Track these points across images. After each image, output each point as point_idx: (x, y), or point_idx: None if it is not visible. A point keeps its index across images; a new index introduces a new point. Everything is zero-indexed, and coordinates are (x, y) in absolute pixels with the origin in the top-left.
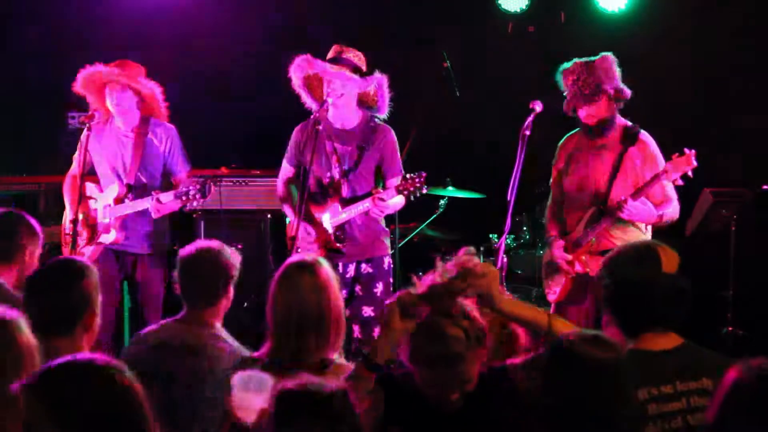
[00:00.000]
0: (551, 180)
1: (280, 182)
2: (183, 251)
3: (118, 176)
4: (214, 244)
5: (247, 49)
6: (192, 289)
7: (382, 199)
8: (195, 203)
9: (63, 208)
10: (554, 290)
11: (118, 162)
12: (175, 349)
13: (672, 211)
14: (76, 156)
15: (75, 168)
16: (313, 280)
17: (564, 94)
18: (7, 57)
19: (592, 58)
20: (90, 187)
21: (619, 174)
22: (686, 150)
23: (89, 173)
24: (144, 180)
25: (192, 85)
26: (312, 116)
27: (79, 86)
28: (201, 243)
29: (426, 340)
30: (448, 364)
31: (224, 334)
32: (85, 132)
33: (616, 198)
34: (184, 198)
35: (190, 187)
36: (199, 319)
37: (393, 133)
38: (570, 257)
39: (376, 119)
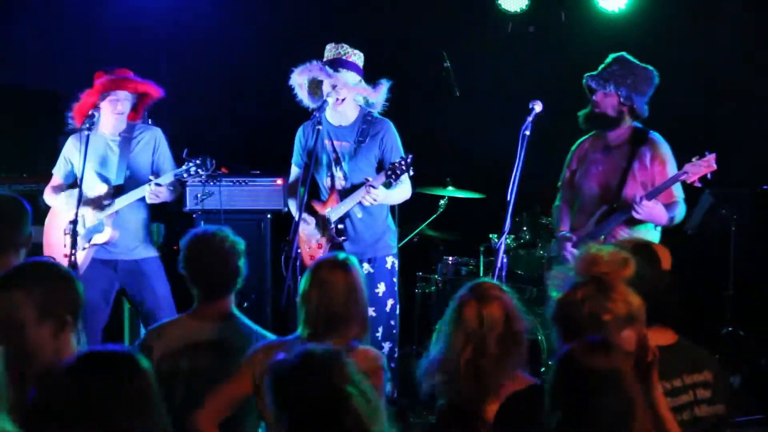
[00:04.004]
0: (563, 180)
1: (290, 186)
2: (186, 242)
3: (105, 180)
4: (213, 229)
5: (248, 49)
6: (207, 280)
7: (373, 186)
8: (198, 179)
9: None
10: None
11: (105, 166)
12: (199, 347)
13: (679, 212)
14: (58, 167)
15: (57, 179)
16: (344, 279)
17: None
18: (8, 57)
19: (642, 63)
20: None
21: (630, 173)
22: (707, 153)
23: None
24: (132, 182)
25: (192, 85)
26: (312, 117)
27: (78, 110)
28: (201, 230)
29: None
30: None
31: (245, 321)
32: (85, 133)
33: (628, 196)
34: (185, 175)
35: (190, 164)
36: (217, 310)
37: (392, 126)
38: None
39: (373, 114)
